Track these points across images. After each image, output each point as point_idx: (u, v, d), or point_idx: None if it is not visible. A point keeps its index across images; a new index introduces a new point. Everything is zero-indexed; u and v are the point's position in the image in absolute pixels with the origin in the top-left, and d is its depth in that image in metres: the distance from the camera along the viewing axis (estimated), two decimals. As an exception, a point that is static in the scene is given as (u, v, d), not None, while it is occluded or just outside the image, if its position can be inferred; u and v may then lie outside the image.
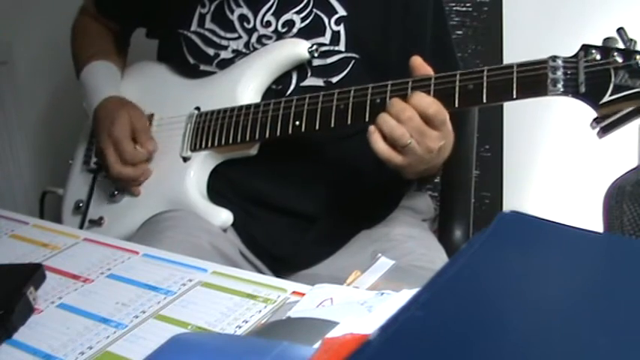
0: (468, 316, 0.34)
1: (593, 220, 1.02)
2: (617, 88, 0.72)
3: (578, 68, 0.74)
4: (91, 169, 1.09)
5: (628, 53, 0.72)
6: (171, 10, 1.03)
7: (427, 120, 0.78)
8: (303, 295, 0.57)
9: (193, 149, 0.97)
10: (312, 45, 0.93)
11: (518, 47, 1.39)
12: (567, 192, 1.43)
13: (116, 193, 1.02)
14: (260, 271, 0.97)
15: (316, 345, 0.42)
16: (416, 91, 0.79)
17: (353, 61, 0.94)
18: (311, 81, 0.95)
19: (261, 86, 0.96)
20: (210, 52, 0.99)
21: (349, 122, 0.84)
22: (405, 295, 0.50)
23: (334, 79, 0.94)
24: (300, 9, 0.95)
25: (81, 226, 1.05)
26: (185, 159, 0.98)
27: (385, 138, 0.79)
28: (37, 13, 1.71)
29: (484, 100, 0.78)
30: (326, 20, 0.94)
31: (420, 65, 0.81)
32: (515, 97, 0.76)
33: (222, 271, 0.67)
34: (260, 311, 0.58)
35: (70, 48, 1.19)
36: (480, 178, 1.44)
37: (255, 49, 0.97)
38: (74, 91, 1.15)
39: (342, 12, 0.94)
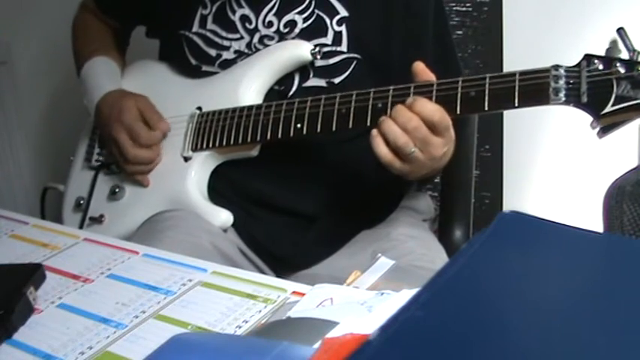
0: (468, 316, 0.34)
1: (593, 220, 1.02)
2: (619, 99, 0.72)
3: (581, 78, 0.74)
4: (92, 166, 1.09)
5: (631, 64, 0.72)
6: (172, 12, 1.03)
7: (431, 127, 0.78)
8: (303, 295, 0.57)
9: (194, 149, 0.97)
10: (315, 47, 0.93)
11: (518, 47, 1.39)
12: (567, 192, 1.43)
13: (117, 190, 1.02)
14: (261, 270, 0.97)
15: (316, 345, 0.42)
16: (419, 96, 0.79)
17: (355, 62, 0.94)
18: (313, 82, 0.95)
19: (263, 87, 0.96)
20: (212, 52, 0.99)
21: (351, 126, 0.84)
22: (405, 295, 0.50)
23: (336, 80, 0.94)
24: (302, 9, 0.95)
25: (81, 224, 1.05)
26: (186, 159, 0.98)
27: (388, 143, 0.79)
28: (36, 13, 1.71)
29: (486, 108, 0.78)
30: (328, 21, 0.94)
31: (422, 71, 0.81)
32: (517, 105, 0.76)
33: (222, 271, 0.67)
34: (260, 311, 0.58)
35: (71, 45, 1.19)
36: (480, 178, 1.44)
37: (257, 49, 0.97)
38: (74, 90, 1.15)
39: (343, 13, 0.94)
